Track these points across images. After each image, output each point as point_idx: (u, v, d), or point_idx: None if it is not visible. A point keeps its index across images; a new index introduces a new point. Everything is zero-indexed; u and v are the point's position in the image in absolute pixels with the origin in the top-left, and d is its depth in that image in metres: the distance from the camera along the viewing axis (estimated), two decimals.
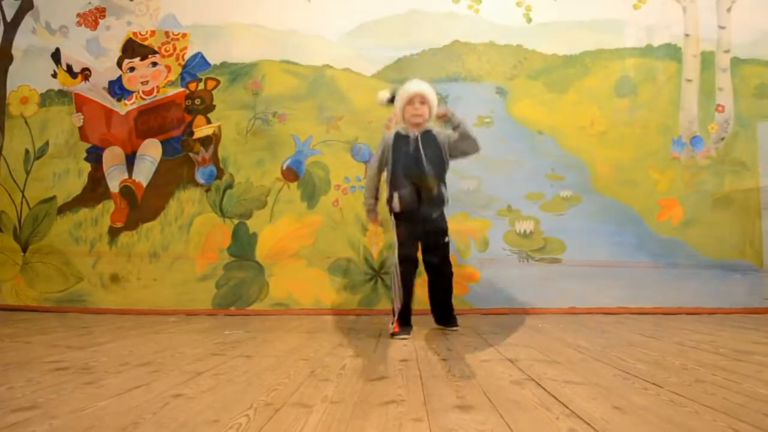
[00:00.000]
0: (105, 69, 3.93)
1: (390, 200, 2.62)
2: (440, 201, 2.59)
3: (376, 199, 2.76)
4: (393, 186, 2.60)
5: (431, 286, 2.76)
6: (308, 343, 2.32)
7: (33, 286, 3.82)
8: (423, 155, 2.55)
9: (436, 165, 2.57)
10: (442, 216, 2.64)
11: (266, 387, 1.49)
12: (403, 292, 2.59)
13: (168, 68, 3.89)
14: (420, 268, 2.68)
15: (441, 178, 2.60)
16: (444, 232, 2.67)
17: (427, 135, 2.61)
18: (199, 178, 3.79)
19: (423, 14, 3.81)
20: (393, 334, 2.54)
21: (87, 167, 3.87)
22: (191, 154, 3.81)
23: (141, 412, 1.24)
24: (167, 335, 2.62)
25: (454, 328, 2.69)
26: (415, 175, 2.54)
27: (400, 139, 2.63)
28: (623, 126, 3.69)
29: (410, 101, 2.60)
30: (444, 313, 2.75)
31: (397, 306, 2.59)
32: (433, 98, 2.64)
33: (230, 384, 1.53)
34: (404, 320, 2.60)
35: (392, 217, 2.65)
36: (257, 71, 3.83)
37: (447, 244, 2.68)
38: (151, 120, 3.86)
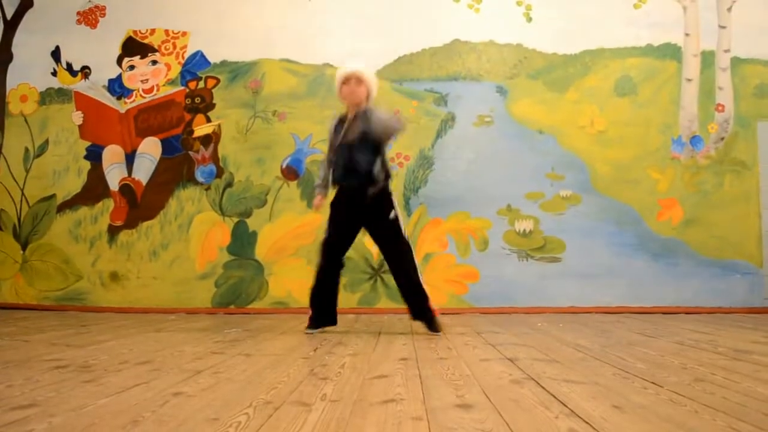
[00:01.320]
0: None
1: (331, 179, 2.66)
2: (371, 178, 2.53)
3: (324, 183, 2.73)
4: (330, 165, 2.66)
5: (391, 271, 2.64)
6: (307, 342, 2.32)
7: (32, 285, 3.82)
8: (353, 135, 2.55)
9: (364, 143, 2.54)
10: (380, 193, 2.56)
11: (266, 385, 1.49)
12: (314, 282, 2.64)
13: (168, 67, 3.89)
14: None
15: (368, 155, 2.54)
16: (385, 207, 2.58)
17: (363, 115, 2.56)
18: (199, 177, 3.78)
19: (423, 13, 3.80)
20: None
21: (87, 165, 3.87)
22: (191, 153, 3.80)
23: (140, 410, 1.24)
24: (167, 333, 2.62)
25: (434, 333, 2.49)
26: (343, 155, 2.57)
27: (340, 122, 2.65)
28: (623, 125, 3.69)
29: (346, 81, 2.60)
30: (415, 303, 2.55)
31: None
32: (370, 80, 2.62)
33: (230, 382, 1.53)
34: (314, 314, 2.63)
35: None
36: (257, 70, 3.83)
37: (394, 221, 2.58)
38: (151, 118, 3.86)
